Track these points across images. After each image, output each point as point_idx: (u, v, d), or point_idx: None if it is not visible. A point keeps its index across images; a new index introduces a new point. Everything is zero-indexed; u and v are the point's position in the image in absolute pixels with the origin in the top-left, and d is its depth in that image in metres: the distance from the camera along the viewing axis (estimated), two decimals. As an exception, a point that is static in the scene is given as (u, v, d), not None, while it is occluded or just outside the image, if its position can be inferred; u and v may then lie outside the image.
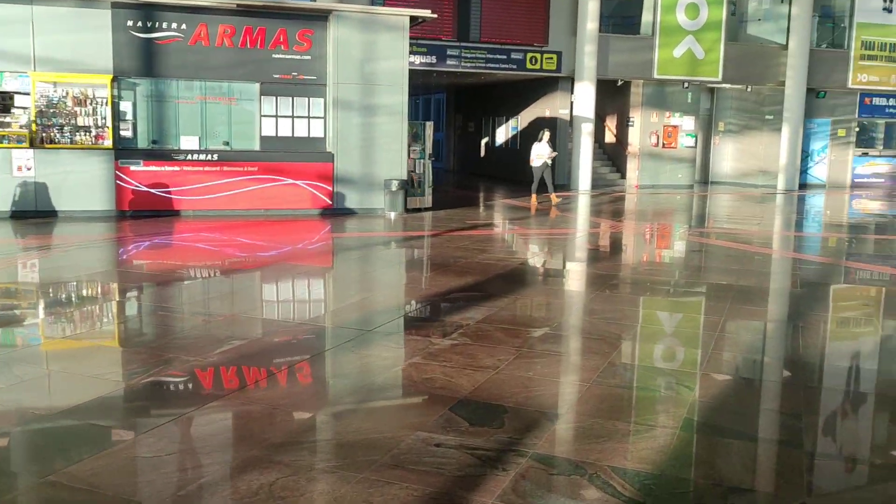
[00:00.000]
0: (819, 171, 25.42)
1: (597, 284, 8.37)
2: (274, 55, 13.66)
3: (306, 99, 13.97)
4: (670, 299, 7.81)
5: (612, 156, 25.11)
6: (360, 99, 14.09)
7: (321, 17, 13.83)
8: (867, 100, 25.00)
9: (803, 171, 24.79)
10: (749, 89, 24.37)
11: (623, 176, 24.22)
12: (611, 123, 25.06)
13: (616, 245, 11.79)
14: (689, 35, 22.21)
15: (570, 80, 21.81)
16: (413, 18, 14.50)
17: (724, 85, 24.04)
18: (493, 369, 4.99)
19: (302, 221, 13.17)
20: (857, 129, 25.36)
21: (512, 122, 25.57)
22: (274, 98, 13.82)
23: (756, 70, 23.58)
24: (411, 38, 19.67)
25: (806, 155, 24.95)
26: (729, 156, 26.06)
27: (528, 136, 24.28)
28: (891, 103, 25.27)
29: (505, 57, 20.97)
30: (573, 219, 14.81)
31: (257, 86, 13.72)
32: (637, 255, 10.91)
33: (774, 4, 24.11)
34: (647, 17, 22.55)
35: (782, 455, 3.87)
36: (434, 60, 20.32)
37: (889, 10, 24.19)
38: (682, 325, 6.67)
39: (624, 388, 4.73)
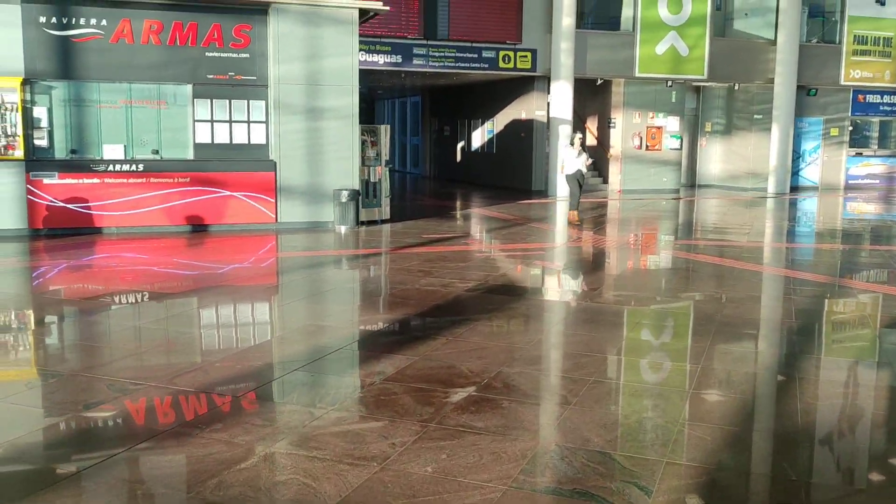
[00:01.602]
0: (811, 172, 24.14)
1: (554, 319, 7.02)
2: (207, 53, 12.27)
3: (245, 101, 12.58)
4: (639, 340, 6.45)
5: (593, 159, 23.75)
6: (305, 101, 12.71)
7: (260, 10, 12.44)
8: (861, 97, 23.74)
9: (795, 172, 23.50)
10: (736, 87, 23.08)
11: (605, 180, 22.90)
12: (591, 125, 23.74)
13: (588, 264, 10.44)
14: (671, 31, 20.91)
15: (547, 80, 20.48)
16: (364, 12, 13.13)
17: (710, 83, 22.77)
18: (378, 462, 3.62)
19: (238, 238, 11.78)
20: (851, 128, 24.08)
21: (488, 125, 24.23)
22: (209, 101, 12.42)
23: (743, 67, 22.30)
24: (375, 36, 18.45)
25: (797, 156, 23.67)
26: (716, 158, 24.78)
27: (505, 139, 22.98)
28: (885, 100, 24.02)
29: (476, 55, 19.62)
30: (546, 231, 13.46)
31: (189, 87, 12.32)
32: (610, 278, 9.56)
33: (762, -2, 22.85)
34: (627, 12, 21.23)
35: None
36: (399, 60, 18.97)
37: (882, 3, 22.95)
38: (648, 379, 5.31)
39: (553, 495, 3.37)
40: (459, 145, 26.41)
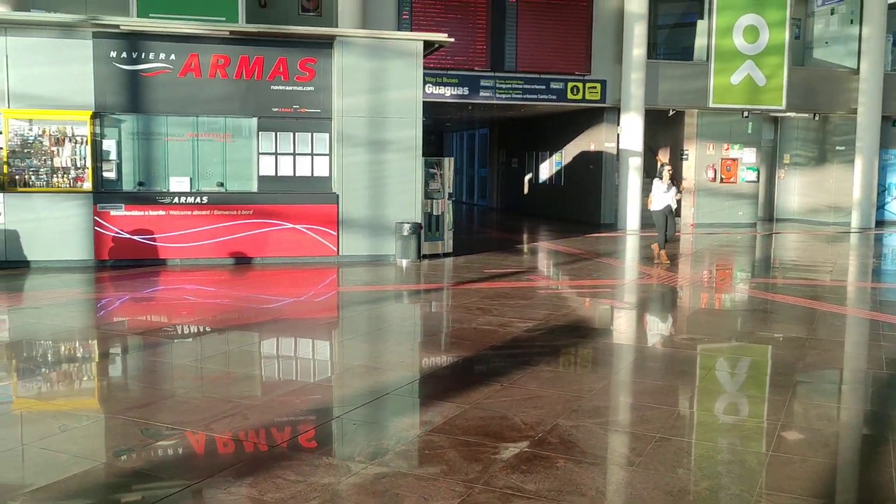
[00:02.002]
0: (897, 206, 22.99)
1: (619, 365, 6.57)
2: (273, 87, 12.30)
3: (309, 134, 12.56)
4: (712, 391, 5.96)
5: (681, 194, 23.10)
6: (368, 133, 12.61)
7: (325, 43, 12.44)
8: (951, 127, 22.53)
9: (880, 206, 22.39)
10: (817, 118, 22.19)
11: (678, 213, 22.19)
12: (663, 157, 23.11)
13: (658, 303, 9.93)
14: (748, 60, 20.26)
15: (617, 111, 20.05)
16: (428, 44, 13.01)
17: (788, 114, 21.93)
18: (415, 530, 3.29)
19: (299, 272, 11.67)
20: (941, 160, 22.88)
21: (556, 157, 23.87)
22: (273, 134, 12.44)
23: (824, 97, 21.45)
24: (441, 68, 18.38)
25: (882, 189, 22.57)
26: (796, 191, 23.82)
27: (573, 171, 22.57)
28: (979, 131, 22.74)
29: (543, 87, 19.34)
30: (615, 266, 12.98)
31: (255, 120, 12.36)
32: (681, 319, 9.04)
33: (843, 26, 21.95)
34: (700, 41, 20.70)
35: None
36: (466, 92, 18.83)
37: (974, 29, 21.84)
38: (720, 437, 4.84)
39: (609, 578, 2.97)
40: (527, 177, 26.11)
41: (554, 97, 19.46)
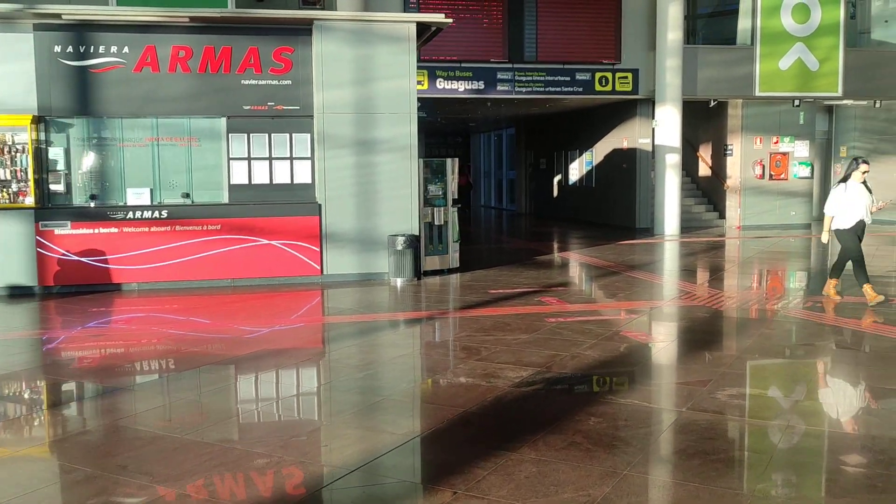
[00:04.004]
0: (972, 202, 20.51)
1: (634, 446, 4.64)
2: (243, 81, 10.63)
3: (287, 135, 10.85)
4: (769, 495, 4.04)
5: (707, 191, 21.01)
6: (355, 132, 10.87)
7: (302, 29, 10.73)
8: None
9: (952, 203, 19.97)
10: (878, 105, 19.85)
11: (722, 215, 20.11)
12: (704, 153, 21.01)
13: (699, 336, 7.93)
14: (798, 42, 18.11)
15: (651, 103, 18.03)
16: (423, 28, 11.20)
17: (845, 101, 19.65)
18: None
19: (271, 296, 9.94)
20: None
21: (586, 157, 21.90)
22: (245, 136, 10.76)
23: (885, 82, 19.12)
24: (453, 60, 16.59)
25: (955, 183, 20.15)
26: (854, 187, 21.47)
27: (605, 171, 20.59)
28: None
29: (568, 78, 17.43)
30: (649, 282, 11.01)
31: (223, 121, 10.71)
32: (727, 361, 7.07)
33: (905, 2, 19.67)
34: (744, 23, 18.58)
35: None
36: (481, 86, 17.00)
37: None
38: None
39: None
40: (556, 179, 24.17)
41: (580, 89, 17.53)
